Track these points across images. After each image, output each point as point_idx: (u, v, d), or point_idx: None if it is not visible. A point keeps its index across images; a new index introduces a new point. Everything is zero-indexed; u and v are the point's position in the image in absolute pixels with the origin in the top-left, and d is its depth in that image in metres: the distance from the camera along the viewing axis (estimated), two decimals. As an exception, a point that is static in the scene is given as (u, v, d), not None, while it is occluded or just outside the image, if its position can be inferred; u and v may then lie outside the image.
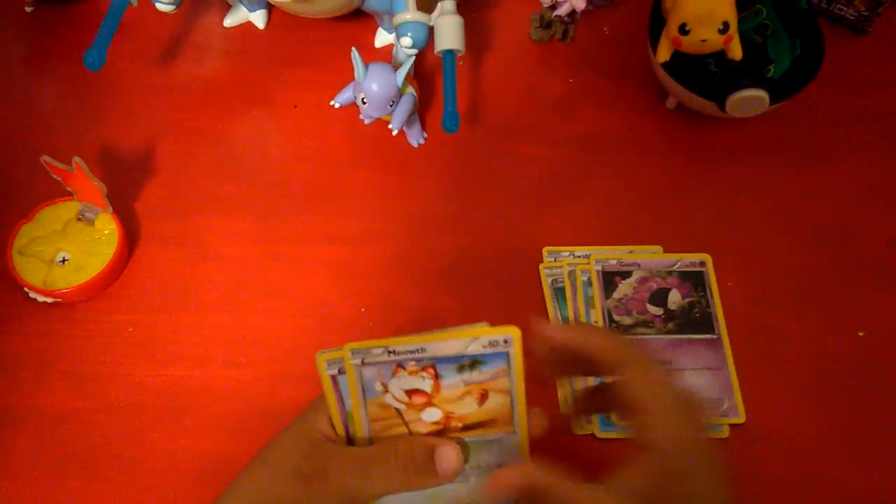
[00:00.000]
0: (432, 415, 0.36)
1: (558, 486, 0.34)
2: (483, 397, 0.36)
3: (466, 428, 0.37)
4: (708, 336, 0.53)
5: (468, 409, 0.36)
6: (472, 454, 0.37)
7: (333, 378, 0.36)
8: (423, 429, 0.37)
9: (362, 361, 0.35)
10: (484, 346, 0.35)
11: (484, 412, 0.36)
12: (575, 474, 0.34)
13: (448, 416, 0.36)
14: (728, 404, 0.51)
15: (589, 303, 0.54)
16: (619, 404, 0.37)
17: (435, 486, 0.36)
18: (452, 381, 0.36)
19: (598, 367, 0.38)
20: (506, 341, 0.35)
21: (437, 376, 0.36)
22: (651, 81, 0.63)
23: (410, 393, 0.36)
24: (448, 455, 0.35)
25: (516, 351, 0.35)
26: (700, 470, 0.35)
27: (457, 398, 0.36)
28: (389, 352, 0.35)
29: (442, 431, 0.37)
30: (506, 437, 0.37)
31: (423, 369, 0.35)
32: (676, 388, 0.36)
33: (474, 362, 0.35)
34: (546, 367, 0.40)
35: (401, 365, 0.35)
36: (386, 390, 0.36)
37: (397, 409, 0.36)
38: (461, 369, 0.36)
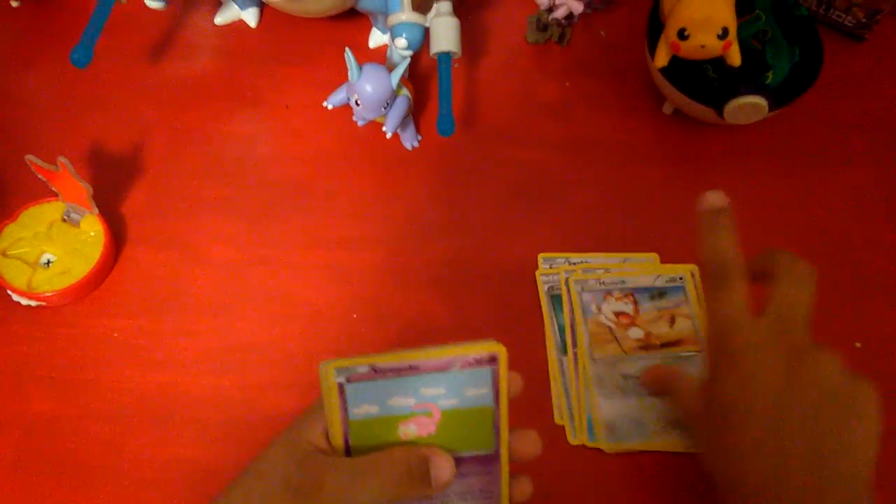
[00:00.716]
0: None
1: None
2: None
3: None
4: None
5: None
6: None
7: (340, 386, 0.35)
8: None
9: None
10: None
11: None
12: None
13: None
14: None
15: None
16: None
17: (427, 497, 0.36)
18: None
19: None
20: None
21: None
22: (648, 86, 0.62)
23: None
24: (442, 465, 0.35)
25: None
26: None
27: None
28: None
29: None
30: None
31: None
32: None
33: None
34: None
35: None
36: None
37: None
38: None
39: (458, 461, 0.36)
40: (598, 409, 0.50)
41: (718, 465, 0.40)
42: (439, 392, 0.35)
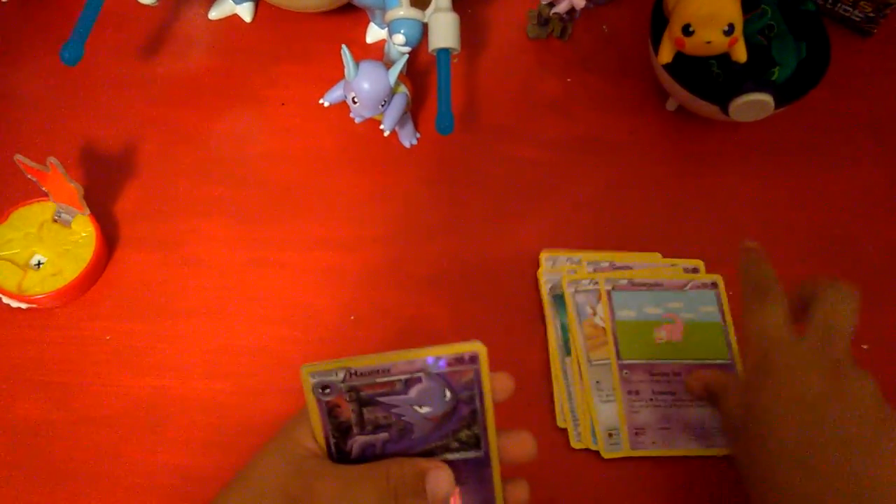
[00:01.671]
0: None
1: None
2: None
3: None
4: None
5: None
6: None
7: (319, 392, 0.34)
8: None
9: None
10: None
11: None
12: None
13: None
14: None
15: (579, 312, 0.53)
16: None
17: None
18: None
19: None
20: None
21: None
22: (651, 82, 0.61)
23: None
24: (439, 478, 0.34)
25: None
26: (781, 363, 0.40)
27: None
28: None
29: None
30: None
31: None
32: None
33: None
34: None
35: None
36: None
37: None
38: None
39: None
40: (598, 413, 0.49)
41: (753, 472, 0.40)
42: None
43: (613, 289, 0.46)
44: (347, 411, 0.34)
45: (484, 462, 0.36)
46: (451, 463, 0.35)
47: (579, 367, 0.51)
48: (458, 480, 0.35)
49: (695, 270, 0.54)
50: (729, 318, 0.51)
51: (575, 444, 0.49)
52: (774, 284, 0.42)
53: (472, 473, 0.36)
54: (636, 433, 0.49)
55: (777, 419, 0.39)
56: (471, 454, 0.35)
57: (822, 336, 0.40)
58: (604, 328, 0.52)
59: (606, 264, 0.54)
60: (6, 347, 0.51)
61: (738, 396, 0.42)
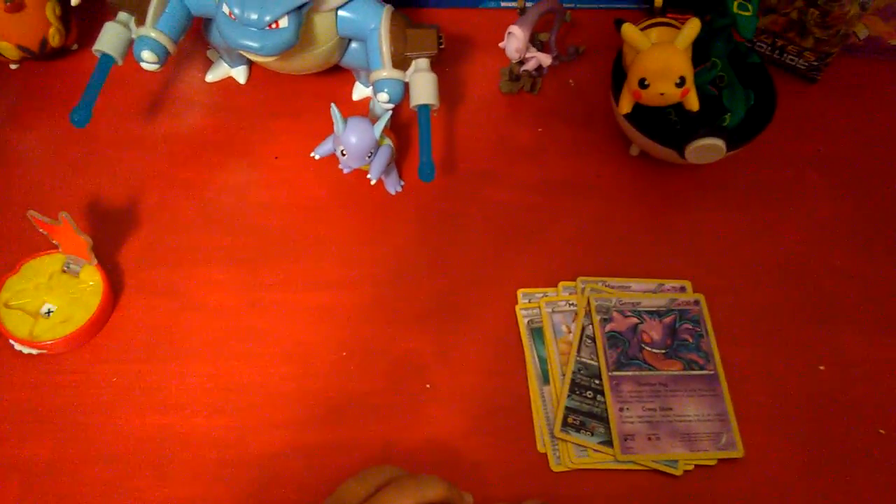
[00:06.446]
0: None
1: None
2: None
3: None
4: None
5: None
6: None
7: None
8: None
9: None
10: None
11: None
12: None
13: None
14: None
15: (555, 330, 0.57)
16: None
17: None
18: None
19: None
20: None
21: None
22: (615, 130, 0.66)
23: None
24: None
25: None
26: None
27: None
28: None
29: None
30: None
31: None
32: None
33: None
34: None
35: None
36: None
37: None
38: None
39: None
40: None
41: None
42: None
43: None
44: None
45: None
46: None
47: (561, 377, 0.54)
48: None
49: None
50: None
51: (554, 468, 0.52)
52: None
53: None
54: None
55: None
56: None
57: None
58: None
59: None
60: (19, 391, 0.54)
61: None
